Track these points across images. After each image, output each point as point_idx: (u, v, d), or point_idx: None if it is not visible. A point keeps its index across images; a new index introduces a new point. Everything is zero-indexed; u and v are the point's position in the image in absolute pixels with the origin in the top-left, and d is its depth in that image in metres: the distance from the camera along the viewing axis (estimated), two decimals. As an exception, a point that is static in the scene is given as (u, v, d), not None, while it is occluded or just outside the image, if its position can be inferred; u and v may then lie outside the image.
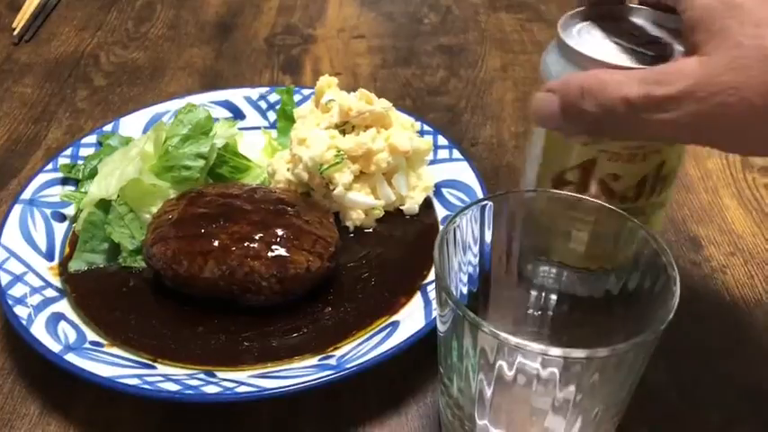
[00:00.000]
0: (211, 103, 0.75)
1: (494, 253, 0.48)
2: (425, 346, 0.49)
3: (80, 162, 0.68)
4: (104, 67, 0.92)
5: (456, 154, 0.68)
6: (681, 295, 0.59)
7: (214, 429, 0.50)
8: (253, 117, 0.75)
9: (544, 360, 0.37)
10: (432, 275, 0.57)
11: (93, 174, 0.65)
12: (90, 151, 0.69)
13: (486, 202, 0.46)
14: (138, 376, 0.48)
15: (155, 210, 0.59)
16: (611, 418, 0.42)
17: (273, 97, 0.76)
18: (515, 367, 0.39)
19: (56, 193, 0.65)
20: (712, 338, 0.56)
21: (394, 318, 0.54)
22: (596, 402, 0.40)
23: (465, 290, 0.48)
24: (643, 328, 0.41)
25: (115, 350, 0.52)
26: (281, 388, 0.47)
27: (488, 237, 0.47)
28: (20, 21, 0.98)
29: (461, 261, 0.46)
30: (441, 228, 0.54)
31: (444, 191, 0.66)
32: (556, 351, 0.37)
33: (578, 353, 0.37)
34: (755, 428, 0.50)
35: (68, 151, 0.68)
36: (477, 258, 0.48)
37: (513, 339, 0.36)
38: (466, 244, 0.46)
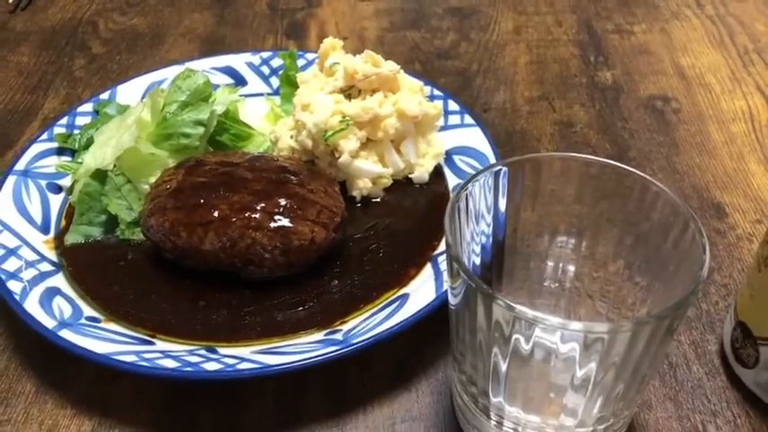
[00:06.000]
0: (212, 69, 0.72)
1: (508, 222, 0.45)
2: (436, 319, 0.47)
3: (76, 131, 0.65)
4: (103, 35, 0.89)
5: (468, 119, 0.65)
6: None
7: (216, 406, 0.48)
8: (255, 83, 0.72)
9: (564, 335, 0.35)
10: (442, 246, 0.55)
11: (89, 143, 0.63)
12: (87, 120, 0.67)
13: (500, 167, 0.43)
14: (136, 353, 0.46)
15: (153, 180, 0.57)
16: (634, 393, 0.40)
17: (276, 62, 0.73)
18: (533, 341, 0.36)
19: (51, 163, 0.63)
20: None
21: (403, 290, 0.52)
22: (620, 379, 0.37)
23: (477, 261, 0.45)
24: (668, 299, 0.39)
25: (112, 326, 0.50)
26: (284, 364, 0.45)
27: (502, 205, 0.44)
28: (15, -13, 0.95)
29: (474, 231, 0.44)
30: (452, 196, 0.51)
31: (455, 158, 0.63)
32: (576, 325, 0.34)
33: (601, 327, 0.35)
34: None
35: (64, 120, 0.66)
36: (491, 228, 0.45)
37: (530, 312, 0.34)
38: (479, 212, 0.43)
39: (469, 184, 0.41)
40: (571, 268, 0.47)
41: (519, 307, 0.34)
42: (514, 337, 0.36)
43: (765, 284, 0.44)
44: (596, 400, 0.38)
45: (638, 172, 0.42)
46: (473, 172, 0.60)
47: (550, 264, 0.47)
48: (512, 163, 0.43)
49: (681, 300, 0.35)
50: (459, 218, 0.41)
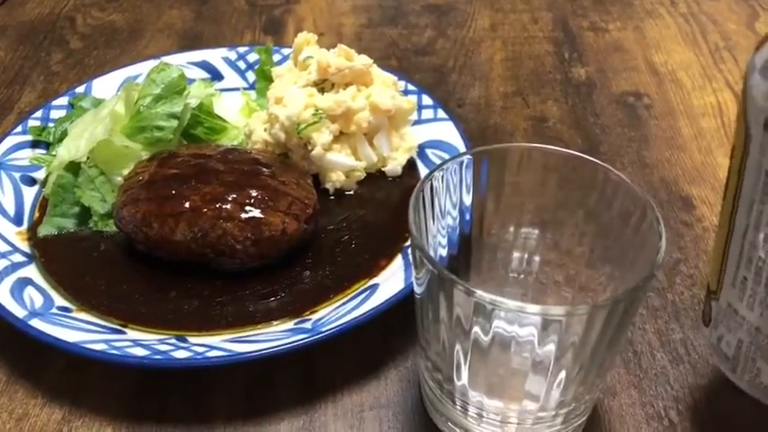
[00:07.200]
0: (189, 63, 0.72)
1: (473, 213, 0.46)
2: (405, 309, 0.47)
3: (51, 125, 0.65)
4: (81, 30, 0.89)
5: (441, 114, 0.66)
6: (673, 256, 0.58)
7: (187, 395, 0.49)
8: (231, 78, 0.73)
9: (521, 318, 0.36)
10: (413, 237, 0.55)
11: (63, 136, 0.63)
12: (62, 114, 0.67)
13: (464, 158, 0.43)
14: (106, 341, 0.46)
15: (126, 172, 0.57)
16: (594, 378, 0.40)
17: (252, 57, 0.73)
18: (493, 326, 0.37)
19: (25, 156, 0.63)
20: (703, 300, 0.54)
21: (373, 280, 0.53)
22: (578, 362, 0.38)
23: (444, 253, 0.46)
24: (628, 285, 0.40)
25: (84, 315, 0.50)
26: (253, 352, 0.45)
27: (467, 196, 0.45)
28: (-7, -18, 0.95)
29: (440, 224, 0.44)
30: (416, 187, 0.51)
31: (428, 151, 0.64)
32: (533, 308, 0.35)
33: (557, 310, 0.36)
34: (743, 393, 0.48)
35: (39, 113, 0.66)
36: (457, 220, 0.46)
37: (489, 297, 0.35)
38: (443, 204, 0.44)
39: (433, 175, 0.42)
40: (537, 258, 0.48)
41: (478, 291, 0.35)
42: (475, 322, 0.37)
43: (717, 238, 0.43)
44: (556, 385, 0.39)
45: (599, 162, 0.42)
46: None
47: (517, 254, 0.48)
48: (476, 153, 0.44)
49: (636, 285, 0.36)
50: (425, 209, 0.42)
